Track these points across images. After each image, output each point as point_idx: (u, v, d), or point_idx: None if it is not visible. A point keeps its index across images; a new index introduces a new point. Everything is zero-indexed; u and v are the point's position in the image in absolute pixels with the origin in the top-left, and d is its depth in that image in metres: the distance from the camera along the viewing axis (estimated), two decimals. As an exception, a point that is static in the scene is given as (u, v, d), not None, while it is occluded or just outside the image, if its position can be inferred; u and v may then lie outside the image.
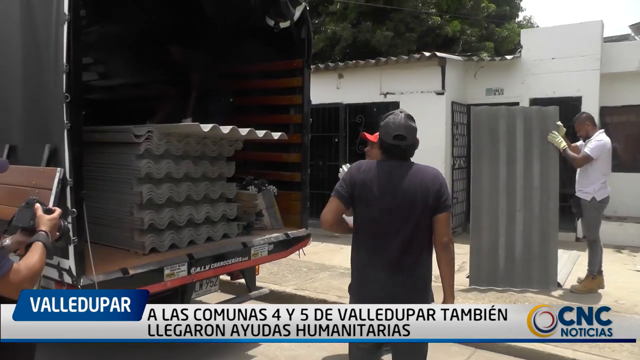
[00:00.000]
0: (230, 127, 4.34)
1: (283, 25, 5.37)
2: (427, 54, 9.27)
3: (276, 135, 4.78)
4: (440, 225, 2.82)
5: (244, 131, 4.44)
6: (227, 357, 4.75)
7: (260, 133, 4.58)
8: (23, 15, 3.77)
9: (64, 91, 3.31)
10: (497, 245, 6.46)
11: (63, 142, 3.35)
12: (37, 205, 2.37)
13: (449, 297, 2.88)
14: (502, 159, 6.42)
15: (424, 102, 9.41)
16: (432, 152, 9.27)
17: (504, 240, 6.42)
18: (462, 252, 8.21)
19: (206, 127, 4.16)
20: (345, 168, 3.96)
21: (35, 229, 2.30)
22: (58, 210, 2.43)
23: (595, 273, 6.25)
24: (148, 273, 3.90)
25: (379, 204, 2.84)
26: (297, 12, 5.31)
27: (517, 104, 9.65)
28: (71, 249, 3.35)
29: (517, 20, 18.56)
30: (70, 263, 3.38)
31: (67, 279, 3.41)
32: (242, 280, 5.21)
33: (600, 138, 6.12)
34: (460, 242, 9.02)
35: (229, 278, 5.37)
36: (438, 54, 9.29)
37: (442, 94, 9.33)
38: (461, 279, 6.69)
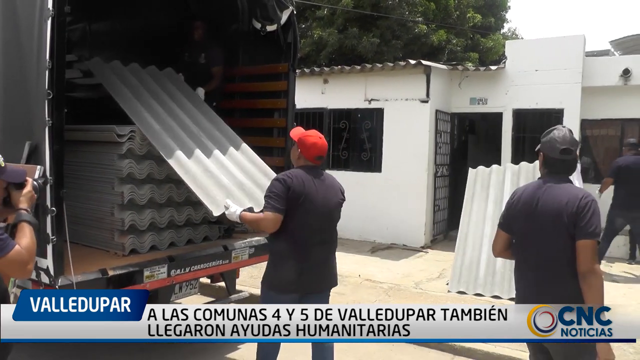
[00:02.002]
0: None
1: (270, 28, 5.38)
2: (412, 61, 9.30)
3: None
4: (578, 253, 2.68)
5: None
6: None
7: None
8: (5, 10, 3.73)
9: (46, 88, 3.28)
10: (479, 259, 6.77)
11: (44, 139, 3.32)
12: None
13: None
14: (491, 199, 7.14)
15: (408, 109, 9.44)
16: (415, 160, 9.34)
17: (486, 256, 6.68)
18: (442, 259, 8.29)
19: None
20: None
21: (11, 203, 2.27)
22: (29, 182, 2.34)
23: None
24: (127, 274, 3.86)
25: (521, 224, 2.92)
26: (284, 16, 5.31)
27: (500, 114, 9.84)
28: (50, 248, 3.31)
29: (502, 31, 18.80)
30: (48, 263, 3.34)
31: (45, 278, 3.37)
32: (222, 284, 5.17)
33: None
34: (440, 249, 9.13)
35: (209, 281, 5.35)
36: (423, 62, 9.32)
37: (427, 102, 9.36)
38: (441, 285, 6.94)
